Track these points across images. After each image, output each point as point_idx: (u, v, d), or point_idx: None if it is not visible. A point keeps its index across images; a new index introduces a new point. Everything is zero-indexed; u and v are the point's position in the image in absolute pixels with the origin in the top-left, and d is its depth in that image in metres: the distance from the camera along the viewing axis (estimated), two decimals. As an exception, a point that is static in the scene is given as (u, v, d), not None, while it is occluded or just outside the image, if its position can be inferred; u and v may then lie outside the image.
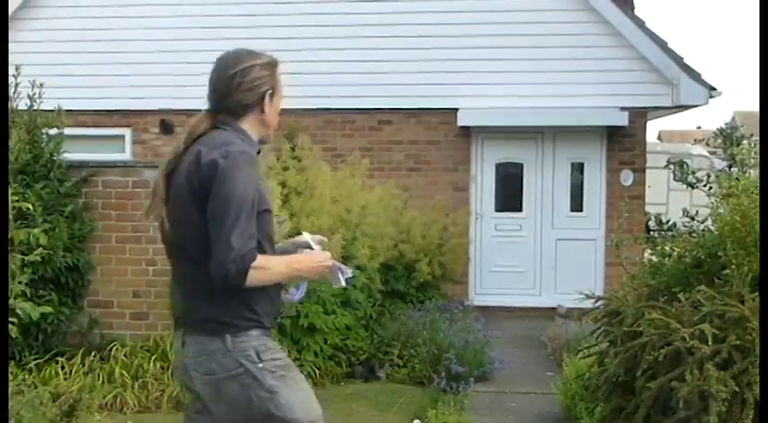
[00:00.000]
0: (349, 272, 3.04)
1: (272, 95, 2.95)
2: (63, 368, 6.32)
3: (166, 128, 11.24)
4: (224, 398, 2.81)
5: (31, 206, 5.98)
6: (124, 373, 6.29)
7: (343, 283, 3.04)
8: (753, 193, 4.64)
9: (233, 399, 2.80)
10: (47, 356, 6.44)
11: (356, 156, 8.89)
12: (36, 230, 5.18)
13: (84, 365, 6.36)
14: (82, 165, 6.90)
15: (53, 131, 6.87)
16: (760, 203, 4.34)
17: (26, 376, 5.99)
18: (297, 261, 2.93)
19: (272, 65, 2.98)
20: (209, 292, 2.74)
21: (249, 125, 2.92)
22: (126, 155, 11.28)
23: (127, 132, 11.39)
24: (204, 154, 2.72)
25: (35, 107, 6.75)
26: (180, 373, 3.00)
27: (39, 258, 4.82)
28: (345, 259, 7.43)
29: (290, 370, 2.93)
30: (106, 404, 6.05)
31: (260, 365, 2.81)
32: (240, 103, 2.88)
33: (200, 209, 2.70)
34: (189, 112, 10.83)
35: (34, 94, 6.72)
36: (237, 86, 2.87)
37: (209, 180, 2.69)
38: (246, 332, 2.80)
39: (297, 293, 3.07)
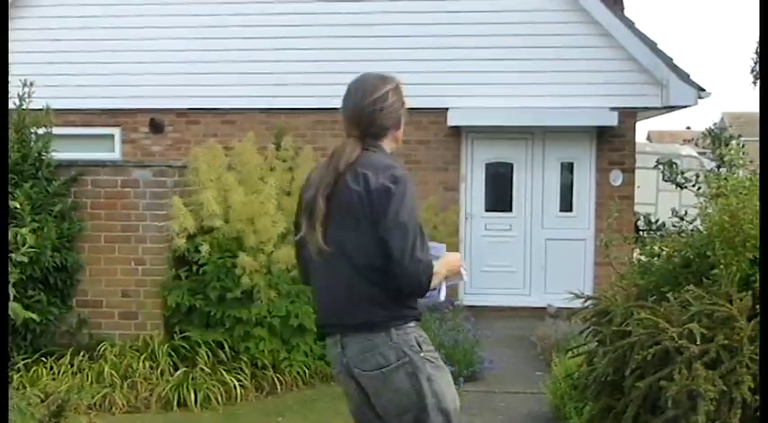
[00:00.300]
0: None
1: (403, 114, 3.24)
2: (51, 368, 6.30)
3: (156, 127, 11.20)
4: (390, 387, 3.02)
5: (18, 205, 5.96)
6: (113, 372, 6.28)
7: (465, 278, 3.29)
8: (741, 193, 4.66)
9: (398, 387, 3.01)
10: (35, 356, 6.43)
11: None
12: (24, 230, 5.15)
13: (72, 365, 6.35)
14: (71, 164, 6.88)
15: (41, 131, 6.85)
16: (760, 203, 4.36)
17: (14, 376, 5.97)
18: (447, 263, 3.18)
19: (399, 86, 3.25)
20: (371, 296, 3.00)
21: (387, 143, 3.22)
22: (116, 154, 11.24)
23: (116, 132, 11.35)
24: (371, 178, 2.99)
25: (24, 106, 6.73)
26: (342, 379, 3.18)
27: (26, 258, 4.79)
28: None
29: (439, 360, 3.14)
30: (95, 404, 6.04)
31: (421, 355, 3.04)
32: (382, 126, 3.17)
33: (372, 226, 2.97)
34: (178, 111, 10.88)
35: (24, 93, 6.70)
36: (380, 111, 3.14)
37: (381, 203, 2.96)
38: (407, 324, 3.04)
39: (442, 293, 3.21)
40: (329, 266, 3.07)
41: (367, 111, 3.12)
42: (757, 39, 11.86)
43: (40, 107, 6.82)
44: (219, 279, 6.66)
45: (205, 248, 6.63)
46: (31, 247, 5.01)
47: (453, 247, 10.03)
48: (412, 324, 3.07)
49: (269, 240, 6.71)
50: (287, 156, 8.01)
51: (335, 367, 3.19)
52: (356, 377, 3.08)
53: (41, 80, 6.92)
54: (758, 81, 12.26)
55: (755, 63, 11.51)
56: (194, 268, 6.76)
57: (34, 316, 5.10)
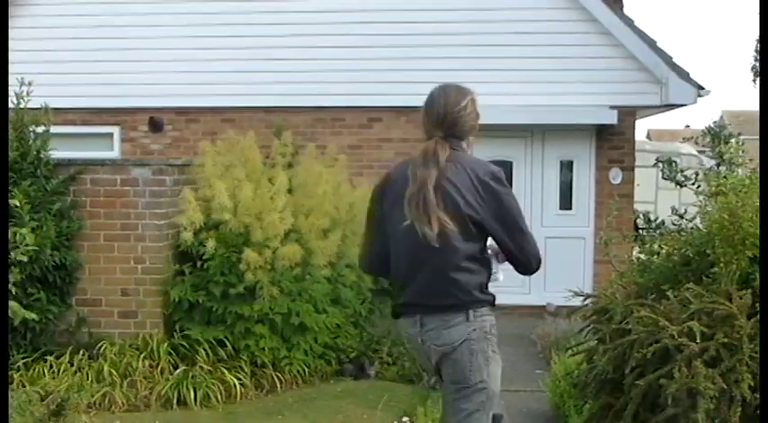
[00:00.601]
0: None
1: (477, 122, 3.66)
2: (51, 367, 6.30)
3: (155, 126, 11.20)
4: (451, 358, 3.40)
5: (18, 204, 5.96)
6: (113, 371, 6.27)
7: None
8: (741, 191, 4.66)
9: (457, 360, 3.39)
10: (35, 355, 6.42)
11: (332, 150, 8.86)
12: (23, 229, 5.16)
13: (72, 364, 6.34)
14: (70, 162, 6.87)
15: (40, 129, 6.84)
16: (760, 203, 4.36)
17: (14, 375, 5.97)
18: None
19: (476, 97, 3.68)
20: (459, 280, 3.36)
21: (466, 143, 3.61)
22: (115, 153, 11.23)
23: (115, 130, 11.34)
24: (474, 174, 3.41)
25: (22, 105, 6.72)
26: (420, 354, 3.60)
27: (26, 257, 4.80)
28: (338, 258, 7.42)
29: (497, 348, 3.48)
30: (95, 403, 6.04)
31: (488, 337, 3.43)
32: (462, 129, 3.57)
33: (474, 218, 3.35)
34: (178, 110, 10.85)
35: (22, 91, 6.70)
36: (461, 117, 3.55)
37: (487, 196, 3.37)
38: (482, 308, 3.43)
39: (500, 274, 3.59)
40: (425, 252, 3.35)
41: (450, 116, 3.51)
42: (757, 37, 11.86)
43: (39, 106, 6.81)
44: (224, 274, 6.65)
45: (211, 244, 6.62)
46: (30, 246, 5.01)
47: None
48: (486, 309, 3.44)
49: (275, 236, 6.69)
50: (286, 151, 8.00)
51: (411, 343, 3.62)
52: (429, 348, 3.44)
53: (40, 79, 6.92)
54: (758, 79, 12.26)
55: (756, 60, 11.51)
56: (198, 264, 6.75)
57: (33, 315, 5.11)
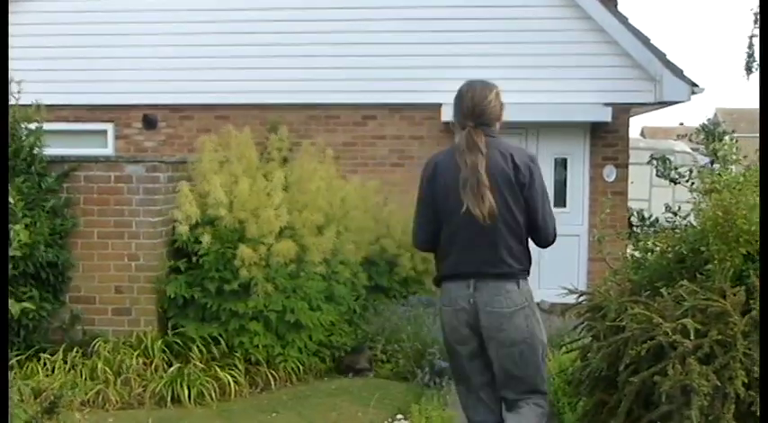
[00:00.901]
0: None
1: (502, 111, 4.19)
2: (45, 364, 6.28)
3: (149, 123, 11.18)
4: (511, 324, 3.94)
5: (11, 200, 5.94)
6: (106, 369, 6.26)
7: None
8: (735, 188, 4.66)
9: (518, 325, 3.96)
10: (28, 352, 6.41)
11: (320, 145, 8.87)
12: (17, 226, 5.14)
13: (66, 362, 6.33)
14: (63, 159, 6.85)
15: (33, 126, 6.82)
16: (760, 202, 4.36)
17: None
18: None
19: (499, 91, 4.19)
20: (512, 251, 3.96)
21: (495, 129, 4.13)
22: (108, 150, 11.22)
23: (109, 127, 11.32)
24: (516, 157, 3.98)
25: (12, 102, 6.69)
26: (465, 315, 3.99)
27: (19, 253, 4.78)
28: (333, 254, 7.41)
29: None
30: (88, 401, 6.02)
31: (534, 302, 4.09)
32: (491, 118, 4.08)
33: (519, 192, 3.94)
34: (172, 107, 10.83)
35: (12, 89, 6.66)
36: (491, 108, 4.06)
37: (526, 176, 3.95)
38: (527, 278, 4.04)
39: None
40: (480, 227, 3.88)
41: (478, 108, 4.00)
42: (755, 34, 11.85)
43: (31, 103, 6.79)
44: (218, 270, 6.64)
45: (207, 239, 6.61)
46: (23, 241, 5.00)
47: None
48: (528, 279, 4.05)
49: (270, 233, 6.68)
50: (283, 146, 7.99)
51: (455, 305, 4.00)
52: (479, 310, 3.94)
53: (33, 75, 6.91)
54: (751, 74, 12.27)
55: (749, 56, 11.52)
56: (194, 259, 6.74)
57: (29, 305, 5.08)
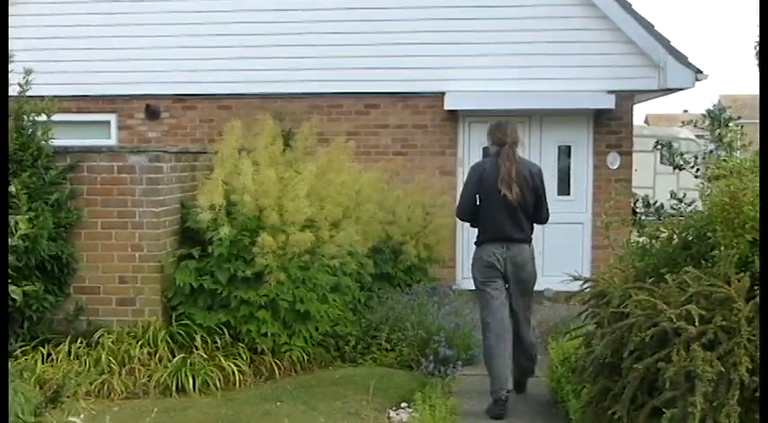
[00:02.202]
0: None
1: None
2: (50, 355, 6.29)
3: (152, 113, 11.17)
4: (527, 269, 6.17)
5: (15, 191, 5.93)
6: (111, 359, 6.27)
7: None
8: (742, 174, 4.64)
9: (530, 271, 6.20)
10: (33, 343, 6.41)
11: (341, 138, 8.81)
12: (19, 217, 5.14)
13: (70, 352, 6.34)
14: (67, 150, 6.84)
15: (40, 119, 6.79)
16: (760, 202, 4.34)
17: (11, 364, 5.95)
18: None
19: (516, 125, 6.42)
20: (526, 226, 6.16)
21: (520, 148, 6.32)
22: (111, 140, 11.21)
23: (112, 118, 11.31)
24: (533, 168, 6.22)
25: (23, 93, 6.68)
26: (497, 264, 6.10)
27: (21, 242, 4.77)
28: (341, 246, 7.37)
29: None
30: (93, 391, 6.03)
31: (534, 258, 6.26)
32: (520, 141, 6.32)
33: (533, 192, 6.12)
34: (175, 97, 10.79)
35: (24, 80, 6.65)
36: (520, 135, 6.39)
37: (537, 181, 6.16)
38: (531, 243, 6.25)
39: None
40: (510, 209, 6.05)
41: (516, 133, 6.20)
42: (757, 23, 11.74)
43: (37, 94, 6.77)
44: (236, 256, 6.63)
45: (226, 229, 6.56)
46: (26, 236, 4.99)
47: (450, 230, 10.08)
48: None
49: (294, 223, 6.63)
50: (308, 137, 7.92)
51: (491, 259, 6.11)
52: (508, 261, 6.10)
53: (36, 66, 6.87)
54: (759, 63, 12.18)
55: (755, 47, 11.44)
56: (209, 248, 6.71)
57: (33, 287, 5.03)
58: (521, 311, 6.23)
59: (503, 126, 6.16)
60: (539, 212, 6.21)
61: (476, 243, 6.29)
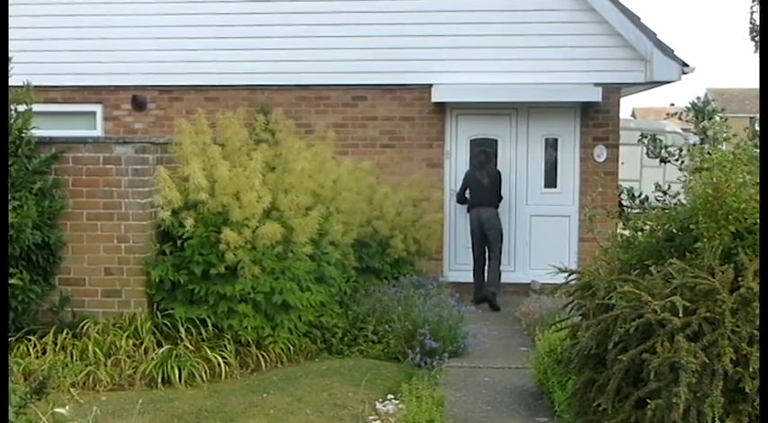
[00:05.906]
0: None
1: None
2: (35, 346, 6.27)
3: (139, 104, 11.11)
4: (493, 223, 9.92)
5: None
6: (96, 350, 6.26)
7: None
8: (725, 166, 4.67)
9: (496, 223, 9.96)
10: (18, 335, 6.39)
11: (322, 128, 8.81)
12: (3, 207, 5.09)
13: (56, 344, 6.32)
14: (52, 141, 6.80)
15: (22, 108, 6.76)
16: (760, 201, 4.36)
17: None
18: None
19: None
20: (495, 199, 10.09)
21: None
22: (97, 131, 11.15)
23: (98, 109, 11.25)
24: (496, 169, 10.29)
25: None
26: (477, 223, 9.95)
27: (6, 234, 4.73)
28: (320, 235, 7.40)
29: None
30: (79, 382, 6.01)
31: (498, 217, 10.08)
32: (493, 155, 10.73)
33: (497, 181, 10.16)
34: (161, 88, 10.73)
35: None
36: (492, 157, 10.68)
37: (499, 176, 10.19)
38: (498, 207, 10.13)
39: None
40: (485, 188, 10.01)
41: (488, 151, 10.37)
42: (754, 9, 11.72)
43: (20, 84, 6.73)
44: (203, 254, 6.62)
45: (189, 222, 6.57)
46: (10, 225, 4.96)
47: (438, 223, 10.11)
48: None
49: (253, 215, 6.65)
50: (276, 128, 7.94)
51: (474, 222, 10.02)
52: (482, 220, 9.88)
53: (22, 56, 6.83)
54: (758, 50, 12.22)
55: (752, 31, 11.41)
56: (179, 243, 6.72)
57: (18, 281, 4.98)
58: (490, 254, 9.98)
59: (479, 154, 10.36)
60: (499, 192, 10.11)
61: (468, 209, 10.22)
